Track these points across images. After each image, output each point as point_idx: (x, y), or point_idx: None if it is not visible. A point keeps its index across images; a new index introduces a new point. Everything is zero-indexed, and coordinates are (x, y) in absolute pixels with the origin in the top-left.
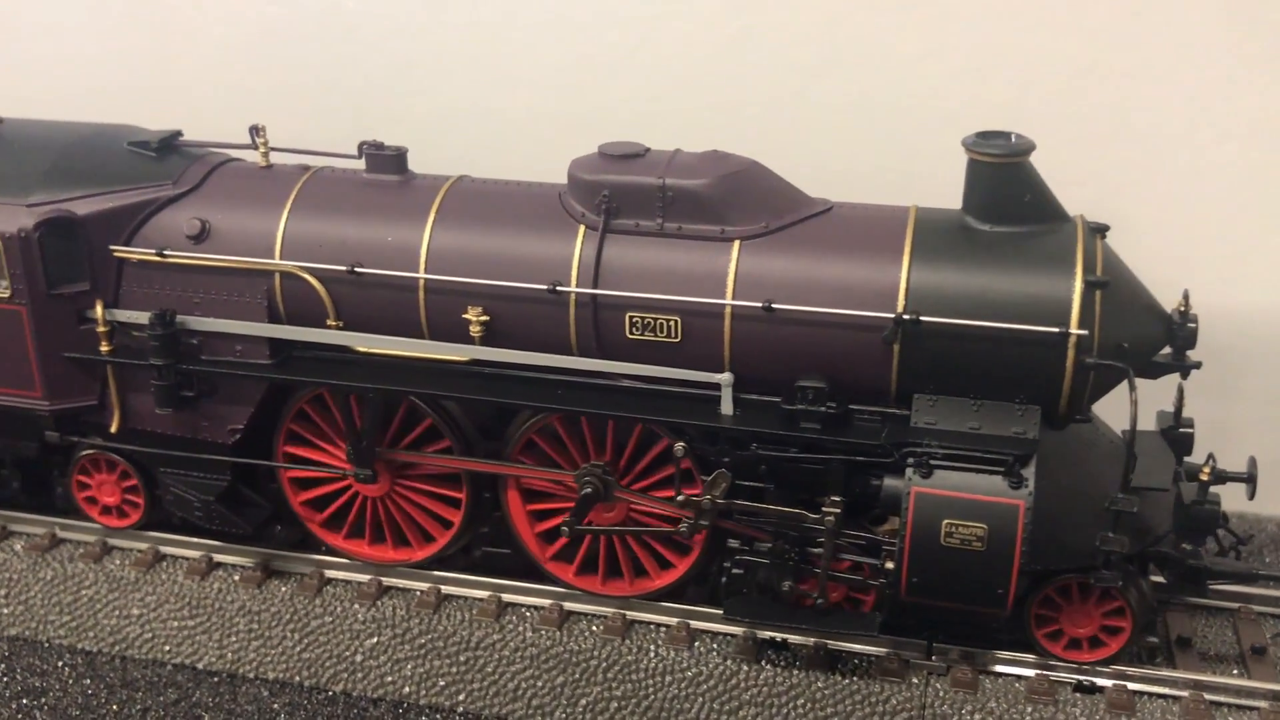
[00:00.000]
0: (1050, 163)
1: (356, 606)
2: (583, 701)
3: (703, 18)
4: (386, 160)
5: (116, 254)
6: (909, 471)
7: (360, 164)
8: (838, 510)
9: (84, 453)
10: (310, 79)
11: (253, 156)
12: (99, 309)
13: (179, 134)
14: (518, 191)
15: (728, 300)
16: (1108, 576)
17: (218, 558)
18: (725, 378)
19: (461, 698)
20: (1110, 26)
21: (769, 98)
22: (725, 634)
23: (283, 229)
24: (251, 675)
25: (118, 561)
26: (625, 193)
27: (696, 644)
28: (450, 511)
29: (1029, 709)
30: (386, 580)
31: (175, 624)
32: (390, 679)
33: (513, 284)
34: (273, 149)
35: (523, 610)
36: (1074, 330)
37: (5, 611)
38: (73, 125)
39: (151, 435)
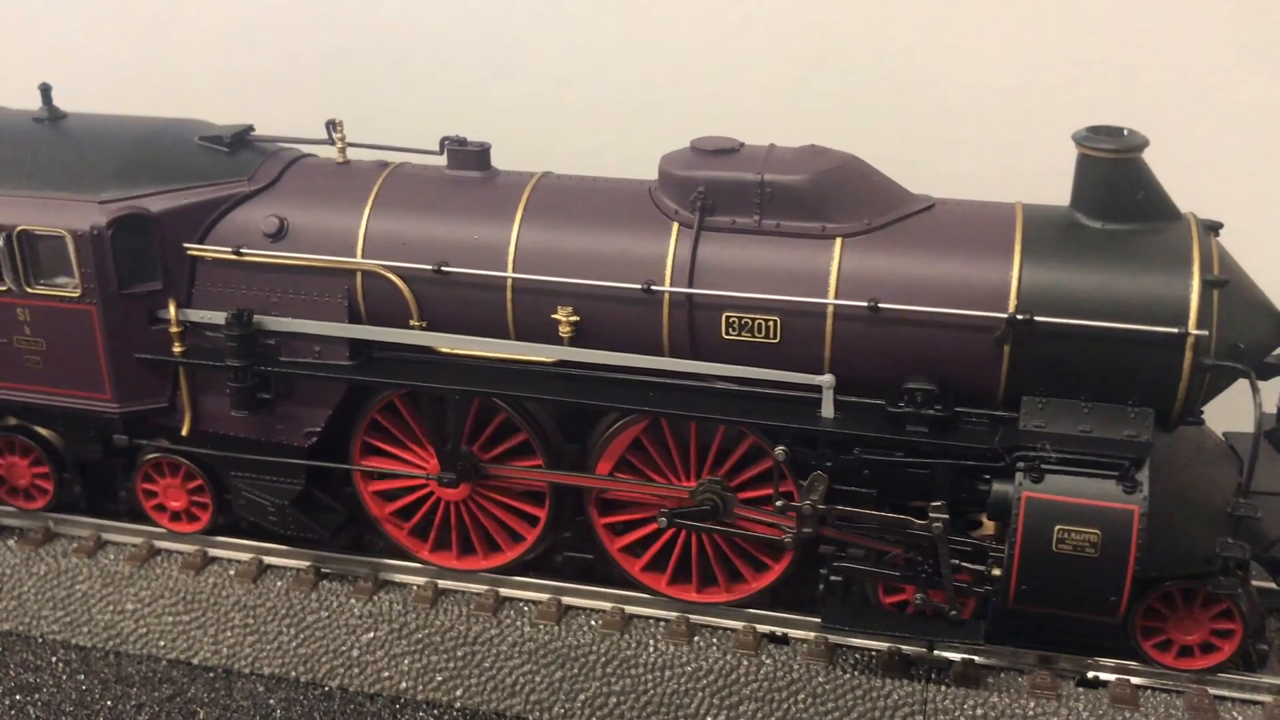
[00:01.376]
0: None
1: (353, 601)
2: (581, 697)
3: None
4: (469, 156)
5: (190, 252)
6: (1019, 476)
7: (427, 160)
8: (946, 516)
9: (149, 456)
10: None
11: (327, 152)
12: (172, 308)
13: (251, 128)
14: (605, 188)
15: (830, 300)
16: (1227, 583)
17: (213, 552)
18: (827, 379)
19: (459, 693)
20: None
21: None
22: (725, 628)
23: (365, 227)
24: (247, 671)
25: (111, 556)
26: (721, 189)
27: (696, 638)
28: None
29: (1031, 703)
30: (383, 575)
31: (170, 619)
32: (387, 674)
33: (604, 283)
34: (349, 144)
35: (520, 605)
36: (1193, 331)
37: None
38: (138, 120)
39: (223, 438)
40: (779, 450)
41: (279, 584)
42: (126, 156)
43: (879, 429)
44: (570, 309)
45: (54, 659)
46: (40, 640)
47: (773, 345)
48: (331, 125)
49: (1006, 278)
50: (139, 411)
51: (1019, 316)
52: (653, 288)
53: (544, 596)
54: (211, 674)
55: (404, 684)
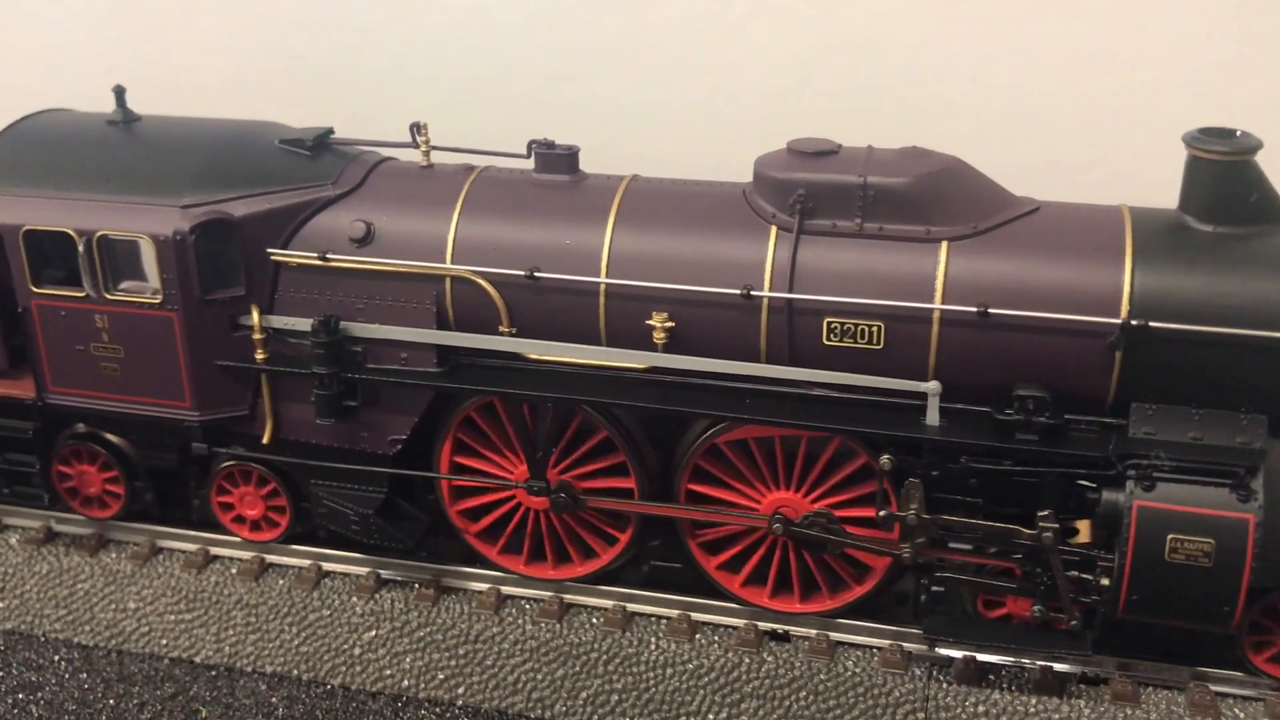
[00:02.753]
0: None
1: (355, 599)
2: (583, 694)
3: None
4: (558, 159)
5: (274, 258)
6: (1130, 485)
7: (510, 163)
8: (1056, 525)
9: (225, 464)
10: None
11: (409, 155)
12: (255, 315)
13: (331, 131)
14: (698, 191)
15: (936, 305)
16: None
17: (214, 551)
18: (933, 386)
19: (461, 691)
20: None
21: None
22: (726, 626)
23: (454, 232)
24: (249, 669)
25: (114, 555)
26: (821, 192)
27: (698, 636)
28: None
29: (1034, 701)
30: (385, 573)
31: (172, 617)
32: (389, 672)
33: (702, 289)
34: (433, 147)
35: (522, 603)
36: None
37: (0, 606)
38: (214, 122)
39: (304, 446)
40: (884, 459)
41: (281, 582)
42: (207, 160)
43: (987, 436)
44: (665, 314)
45: (56, 658)
46: (42, 639)
47: (876, 351)
48: (416, 128)
49: (1118, 282)
50: (219, 420)
51: (1133, 322)
52: (752, 293)
53: (546, 594)
54: (214, 672)
55: (406, 682)
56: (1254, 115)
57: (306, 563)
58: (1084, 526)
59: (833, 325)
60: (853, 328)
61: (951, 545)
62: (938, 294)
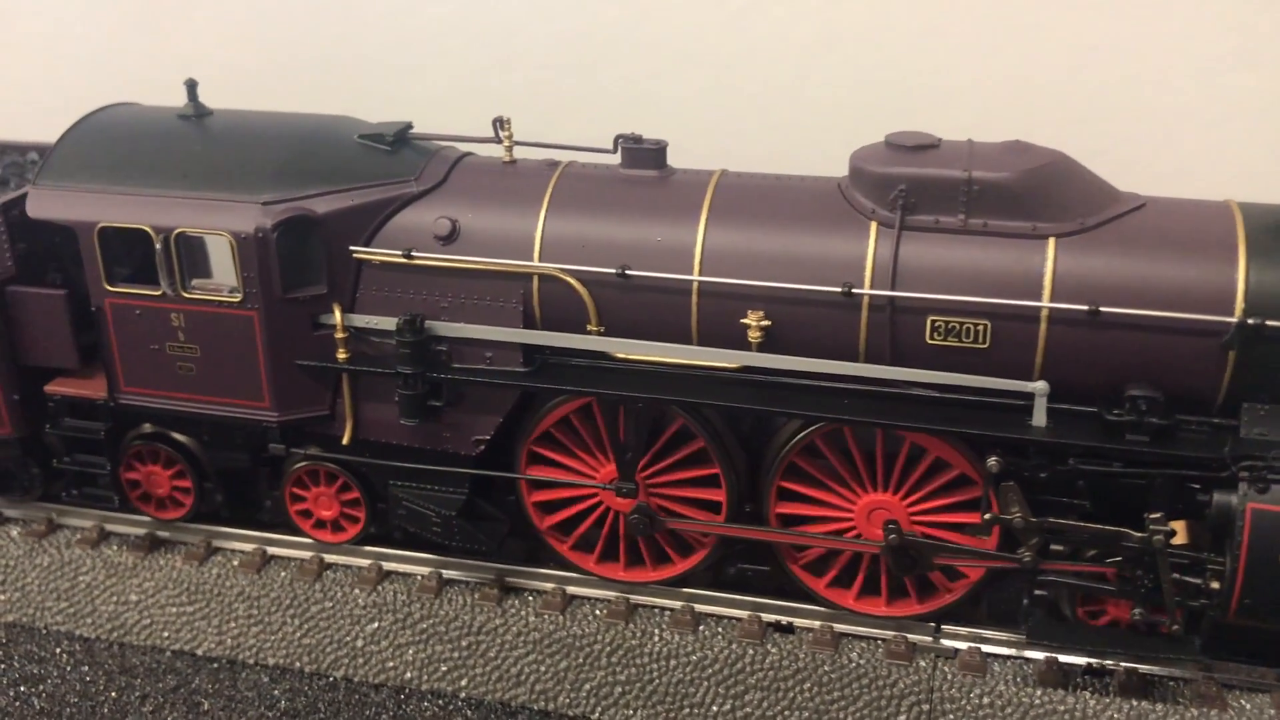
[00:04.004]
0: None
1: (357, 591)
2: (586, 686)
3: None
4: (646, 154)
5: (356, 255)
6: (1243, 487)
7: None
8: (1167, 528)
9: (300, 464)
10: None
11: (490, 150)
12: (337, 314)
13: (410, 126)
14: (791, 186)
15: (1045, 303)
16: None
17: (216, 543)
18: (1041, 386)
19: (464, 683)
20: None
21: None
22: (730, 618)
23: (541, 229)
24: (251, 661)
25: (115, 547)
26: (924, 186)
27: (701, 628)
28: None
29: (1038, 692)
30: (387, 565)
31: (174, 610)
32: (392, 664)
33: (801, 286)
34: (517, 143)
35: (525, 594)
36: None
37: (2, 598)
38: (288, 117)
39: (385, 446)
40: (992, 461)
41: (283, 574)
42: (286, 156)
43: (1096, 437)
44: (761, 313)
45: (58, 650)
46: (44, 631)
47: (981, 350)
48: (499, 123)
49: (1232, 279)
50: (299, 420)
51: (1249, 320)
52: (853, 290)
53: (548, 586)
54: (216, 665)
55: (409, 674)
56: (1256, 108)
57: (308, 555)
58: (1180, 528)
59: (936, 324)
60: (958, 326)
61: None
62: (1046, 291)
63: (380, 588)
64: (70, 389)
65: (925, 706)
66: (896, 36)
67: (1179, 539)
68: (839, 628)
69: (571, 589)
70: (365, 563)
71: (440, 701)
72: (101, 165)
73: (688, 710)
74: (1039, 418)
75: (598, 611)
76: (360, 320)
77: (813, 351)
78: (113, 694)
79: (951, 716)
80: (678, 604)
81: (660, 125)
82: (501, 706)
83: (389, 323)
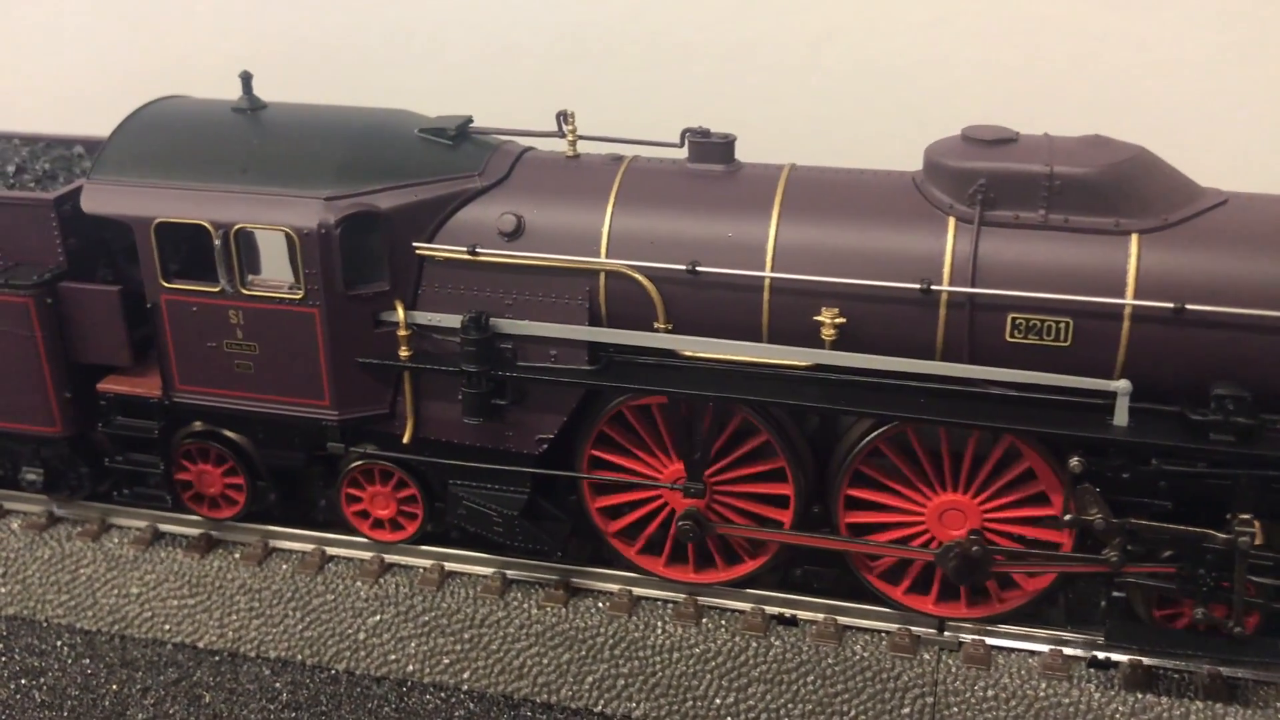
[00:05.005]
0: None
1: (359, 584)
2: (589, 679)
3: None
4: (714, 148)
5: (419, 252)
6: None
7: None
8: (1253, 529)
9: (356, 463)
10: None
11: (551, 144)
12: (400, 311)
13: (470, 120)
14: (864, 180)
15: (1129, 300)
16: None
17: (217, 536)
18: (1123, 385)
19: (466, 676)
20: None
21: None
22: (733, 610)
23: (608, 225)
24: (253, 654)
25: (116, 540)
26: (1004, 181)
27: (704, 620)
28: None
29: (1043, 684)
30: (389, 557)
31: (175, 602)
32: (394, 657)
33: (877, 283)
34: (581, 137)
35: (528, 587)
36: None
37: (3, 590)
38: (346, 110)
39: (445, 445)
40: (1074, 462)
41: (284, 567)
42: (347, 150)
43: (1179, 437)
44: (836, 310)
45: (59, 643)
46: (45, 624)
47: (1062, 349)
48: (562, 116)
49: None
50: (359, 419)
51: None
52: (932, 287)
53: (551, 578)
54: (217, 657)
55: (411, 666)
56: (1261, 100)
57: (310, 547)
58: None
59: (1017, 321)
60: (1039, 324)
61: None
62: (1129, 289)
63: (382, 580)
64: (123, 387)
65: (929, 699)
66: (947, 31)
67: (1256, 540)
68: (843, 620)
69: (574, 582)
70: (367, 555)
71: (442, 694)
72: (157, 159)
73: (691, 703)
74: (1120, 417)
75: (601, 604)
76: (423, 317)
77: (887, 349)
78: (114, 687)
79: (956, 709)
80: (681, 596)
81: (711, 119)
82: (504, 699)
83: (453, 320)
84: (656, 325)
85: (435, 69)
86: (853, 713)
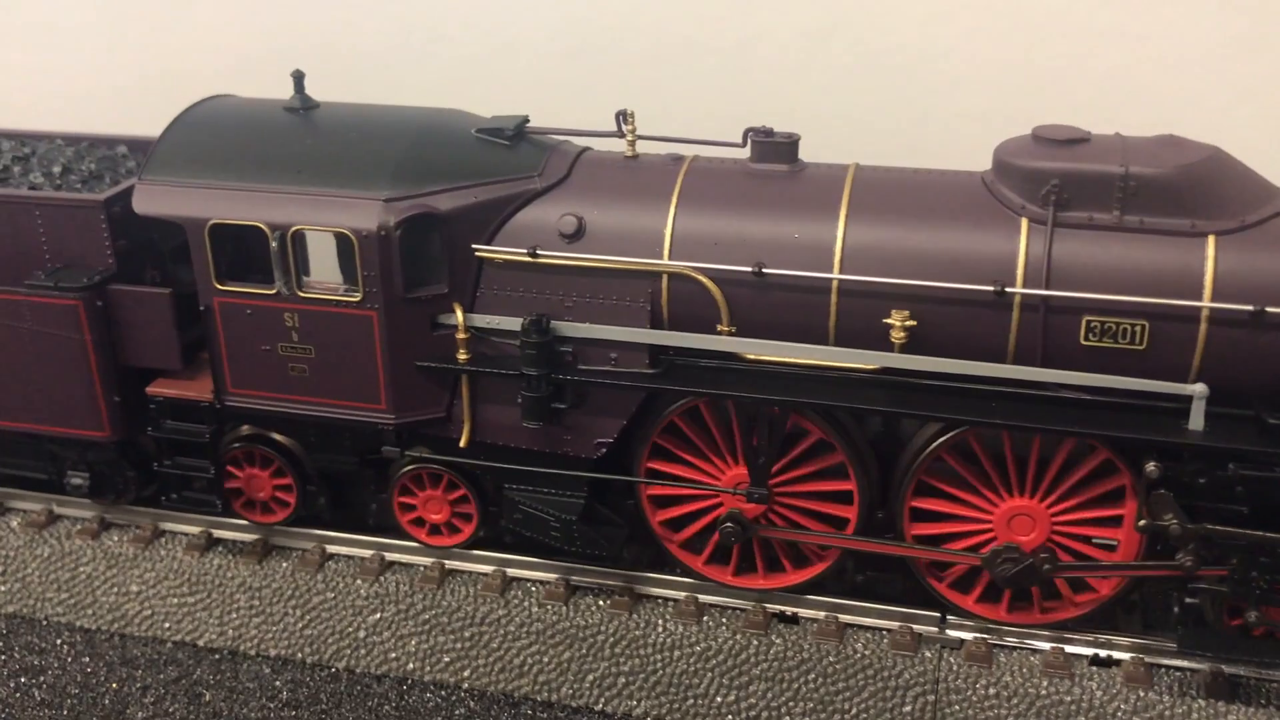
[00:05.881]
0: None
1: (359, 582)
2: (590, 677)
3: None
4: (778, 148)
5: (479, 254)
6: None
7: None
8: None
9: (409, 467)
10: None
11: (608, 144)
12: (459, 314)
13: (527, 120)
14: (932, 180)
15: (1205, 303)
16: None
17: (217, 533)
18: (1199, 389)
19: (466, 674)
20: None
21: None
22: (734, 608)
23: (671, 226)
24: (253, 652)
25: (116, 538)
26: (1077, 182)
27: (705, 618)
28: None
29: (1044, 683)
30: (389, 556)
31: (175, 601)
32: (394, 655)
33: (950, 285)
34: (640, 137)
35: (528, 585)
36: None
37: (2, 589)
38: (400, 110)
39: (502, 449)
40: (1151, 467)
41: (284, 565)
42: (405, 151)
43: (1258, 442)
44: (907, 313)
45: (59, 641)
46: (45, 623)
47: (1137, 352)
48: (622, 116)
49: None
50: (416, 423)
51: None
52: (1006, 290)
53: (552, 577)
54: (217, 656)
55: (411, 665)
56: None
57: (310, 545)
58: None
59: (1092, 324)
60: (1114, 327)
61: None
62: (1206, 291)
63: (382, 578)
64: (173, 390)
65: (931, 698)
66: (948, 27)
67: None
68: (844, 618)
69: (575, 580)
70: (367, 553)
71: (443, 693)
72: (210, 159)
73: (692, 701)
74: (1196, 421)
75: (601, 602)
76: (482, 320)
77: (958, 353)
78: (114, 685)
79: (957, 708)
80: (681, 594)
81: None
82: (504, 698)
83: (512, 323)
84: (720, 328)
85: (462, 64)
86: (854, 711)
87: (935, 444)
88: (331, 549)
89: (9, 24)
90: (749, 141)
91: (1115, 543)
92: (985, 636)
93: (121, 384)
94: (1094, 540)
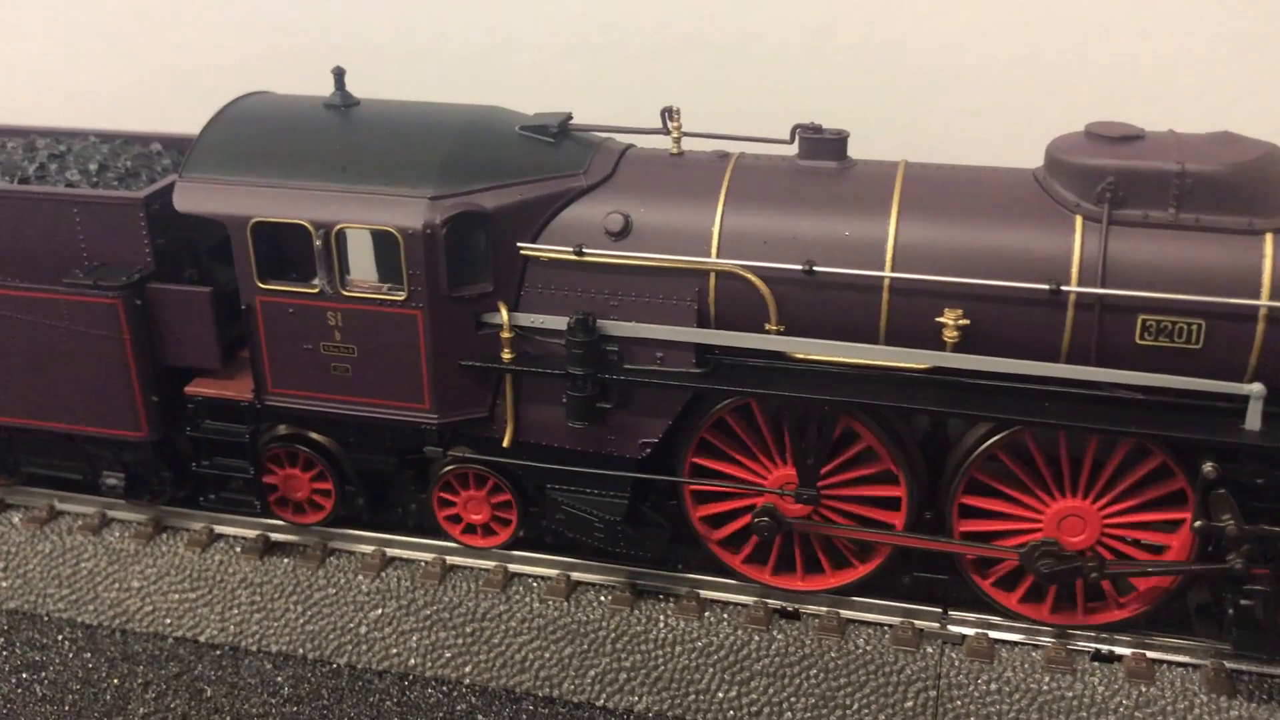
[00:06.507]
0: None
1: (360, 578)
2: (591, 673)
3: None
4: (826, 145)
5: (524, 252)
6: None
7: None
8: None
9: (449, 467)
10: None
11: (650, 141)
12: (504, 312)
13: (570, 117)
14: (983, 177)
15: (1264, 301)
16: None
17: (219, 529)
18: (1257, 388)
19: (468, 670)
20: None
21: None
22: (736, 604)
23: (719, 224)
24: (254, 648)
25: (117, 534)
26: (1133, 179)
27: (707, 614)
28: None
29: (1046, 678)
30: (390, 551)
31: (176, 596)
32: (395, 651)
33: (1004, 283)
34: (686, 133)
35: (529, 581)
36: None
37: (4, 585)
38: (440, 107)
39: (545, 449)
40: (1208, 467)
41: (286, 561)
42: (449, 149)
43: None
44: (960, 312)
45: (60, 637)
46: (46, 618)
47: (1193, 351)
48: (668, 113)
49: None
50: (459, 422)
51: None
52: (1062, 288)
53: (553, 572)
54: (219, 651)
55: (412, 660)
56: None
57: (312, 541)
58: None
59: (1148, 323)
60: (1170, 326)
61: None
62: (1264, 290)
63: (384, 574)
64: (212, 390)
65: (932, 693)
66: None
67: None
68: (845, 614)
69: (576, 575)
70: (369, 549)
71: (444, 688)
72: (251, 157)
73: (693, 697)
74: (1253, 421)
75: (603, 598)
76: (526, 319)
77: (1010, 352)
78: (115, 681)
79: (959, 703)
80: (683, 590)
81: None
82: (506, 693)
83: (558, 322)
84: (768, 327)
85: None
86: (856, 706)
87: (987, 444)
88: (333, 544)
89: (34, 20)
90: (797, 138)
91: (1165, 547)
92: (986, 632)
93: (160, 384)
94: (1143, 543)
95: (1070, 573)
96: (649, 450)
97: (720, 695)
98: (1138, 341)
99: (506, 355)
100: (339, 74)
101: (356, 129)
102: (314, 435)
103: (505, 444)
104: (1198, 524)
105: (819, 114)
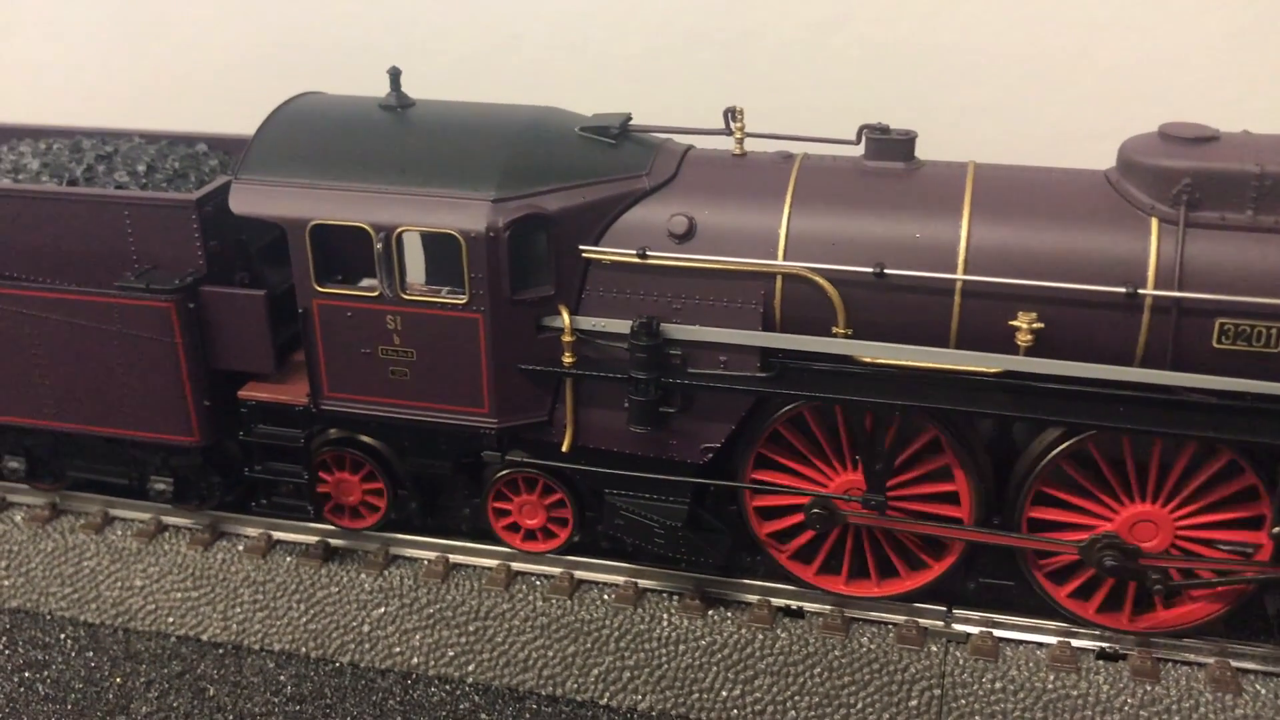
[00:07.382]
0: None
1: (363, 576)
2: (594, 671)
3: None
4: (894, 145)
5: (586, 255)
6: None
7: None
8: None
9: (504, 472)
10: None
11: (709, 142)
12: (565, 316)
13: (630, 117)
14: (1055, 179)
15: None
16: None
17: (221, 528)
18: None
19: (471, 668)
20: None
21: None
22: (740, 602)
23: (786, 226)
24: (257, 647)
25: (119, 532)
26: (1210, 181)
27: (710, 612)
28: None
29: (1051, 677)
30: (393, 549)
31: (179, 595)
32: (398, 649)
33: (1079, 286)
34: (749, 134)
35: (532, 579)
36: None
37: (6, 584)
38: (497, 108)
39: (605, 454)
40: None
41: (288, 559)
42: (510, 150)
43: None
44: (1034, 315)
45: (62, 636)
46: (48, 617)
47: (1272, 355)
48: (730, 114)
49: None
50: (518, 427)
51: None
52: (1138, 291)
53: (556, 570)
54: (221, 650)
55: (415, 659)
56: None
57: (314, 540)
58: None
59: (1225, 327)
60: (1248, 329)
61: None
62: None
63: (387, 573)
64: (266, 394)
65: (937, 692)
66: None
67: None
68: (849, 613)
69: (579, 574)
70: (372, 547)
71: (447, 687)
72: (308, 158)
73: (697, 696)
74: None
75: (606, 596)
76: (588, 323)
77: (1085, 355)
78: (117, 680)
79: (964, 701)
80: (687, 588)
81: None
82: (509, 691)
83: (620, 325)
84: (835, 330)
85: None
86: (860, 705)
87: (1060, 448)
88: (335, 543)
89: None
90: (863, 138)
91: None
92: (991, 630)
93: (212, 388)
94: (1222, 545)
95: (1133, 571)
96: (710, 455)
97: (724, 694)
98: (1215, 345)
99: (568, 359)
100: (394, 74)
101: (415, 130)
102: (366, 439)
103: (565, 448)
104: (1275, 530)
105: (876, 114)
